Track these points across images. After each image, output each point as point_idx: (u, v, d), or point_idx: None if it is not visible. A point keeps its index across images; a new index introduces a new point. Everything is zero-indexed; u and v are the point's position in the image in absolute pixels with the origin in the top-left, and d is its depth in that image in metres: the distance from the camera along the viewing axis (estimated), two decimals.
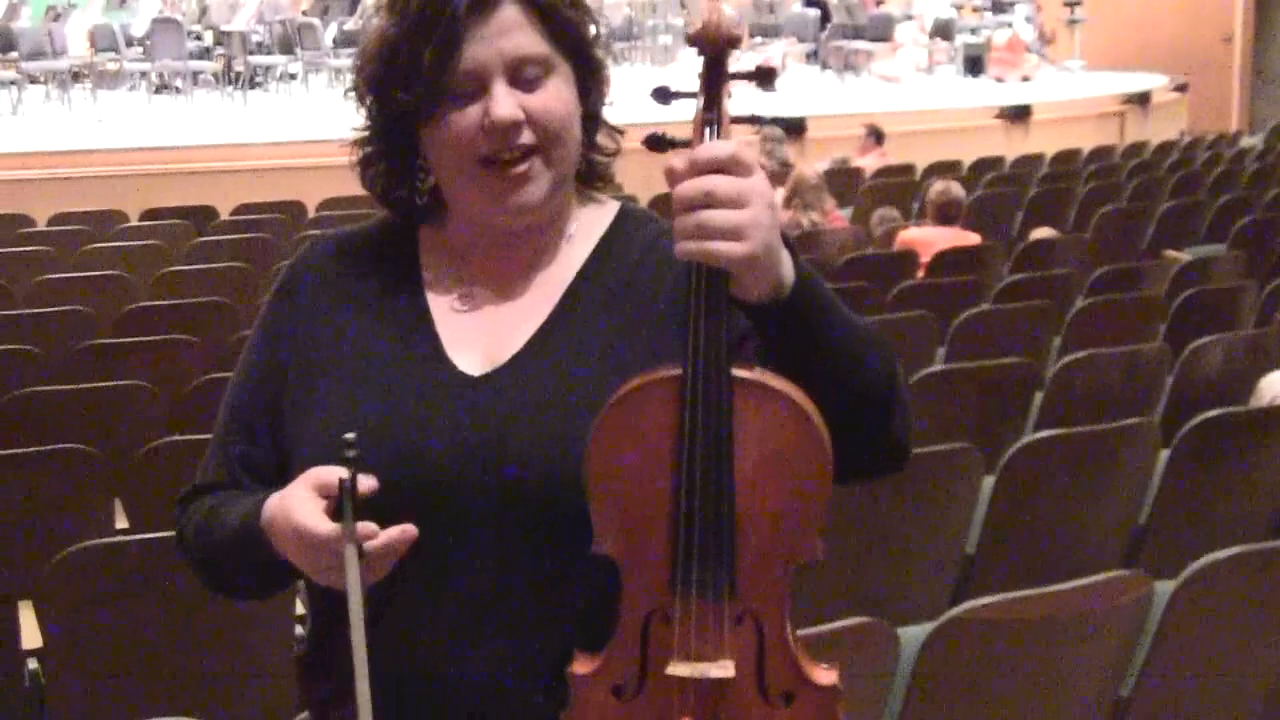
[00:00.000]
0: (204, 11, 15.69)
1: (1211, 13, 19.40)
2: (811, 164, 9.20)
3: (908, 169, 10.81)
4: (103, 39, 14.24)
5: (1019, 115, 14.06)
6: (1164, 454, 3.51)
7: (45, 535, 3.07)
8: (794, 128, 11.70)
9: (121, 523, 3.51)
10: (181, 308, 5.47)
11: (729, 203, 1.24)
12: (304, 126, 10.98)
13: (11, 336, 4.98)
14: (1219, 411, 3.52)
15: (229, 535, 1.46)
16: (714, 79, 1.30)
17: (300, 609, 2.79)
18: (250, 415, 1.53)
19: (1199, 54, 18.92)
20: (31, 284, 6.17)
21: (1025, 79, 16.83)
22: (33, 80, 13.50)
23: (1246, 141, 13.94)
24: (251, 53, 14.45)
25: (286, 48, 14.45)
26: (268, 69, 14.92)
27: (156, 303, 5.69)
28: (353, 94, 1.51)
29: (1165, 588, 2.43)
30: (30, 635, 2.99)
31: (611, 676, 1.35)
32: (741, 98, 1.32)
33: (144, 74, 14.36)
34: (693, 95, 1.31)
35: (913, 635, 2.26)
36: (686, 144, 1.30)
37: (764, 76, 1.31)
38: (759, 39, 16.39)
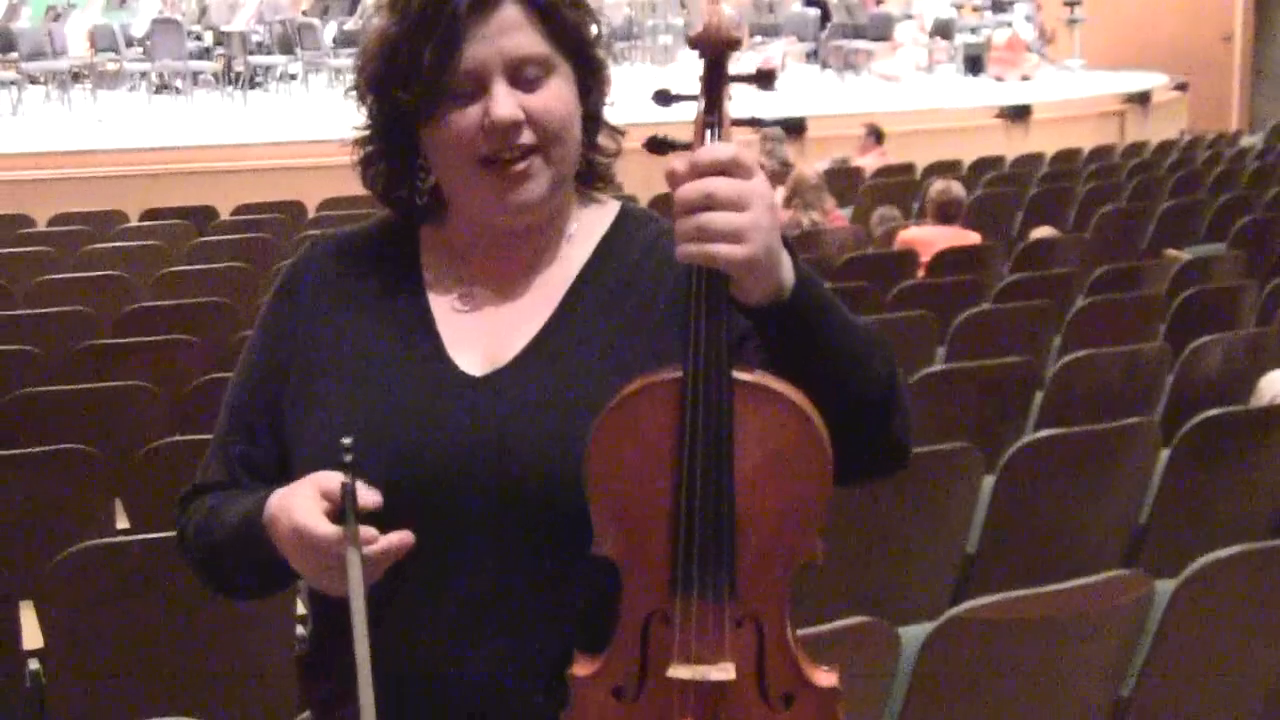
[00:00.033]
0: (204, 11, 15.68)
1: (1211, 12, 19.39)
2: (811, 163, 9.21)
3: (908, 168, 10.81)
4: (103, 39, 14.23)
5: (1019, 115, 14.06)
6: (1164, 453, 3.51)
7: (46, 535, 3.07)
8: (794, 127, 11.70)
9: (122, 523, 3.51)
10: (182, 308, 5.47)
11: (730, 205, 1.24)
12: (304, 126, 10.98)
13: (12, 337, 4.98)
14: (1219, 411, 3.52)
15: (230, 533, 1.47)
16: (714, 81, 1.30)
17: (301, 609, 2.79)
18: (250, 415, 1.53)
19: (1199, 53, 18.91)
20: (32, 284, 6.17)
21: (1025, 78, 16.83)
22: (33, 80, 13.49)
23: (1246, 141, 13.93)
24: (251, 53, 14.45)
25: (286, 48, 14.45)
26: (268, 69, 14.92)
27: (157, 303, 5.69)
28: (353, 93, 1.51)
29: (1165, 587, 2.43)
30: (31, 635, 2.99)
31: (612, 678, 1.36)
32: (742, 99, 1.33)
33: (144, 74, 14.36)
34: (693, 98, 1.31)
35: (913, 635, 2.26)
36: (687, 146, 1.30)
37: (764, 79, 1.31)
38: (759, 38, 16.39)
